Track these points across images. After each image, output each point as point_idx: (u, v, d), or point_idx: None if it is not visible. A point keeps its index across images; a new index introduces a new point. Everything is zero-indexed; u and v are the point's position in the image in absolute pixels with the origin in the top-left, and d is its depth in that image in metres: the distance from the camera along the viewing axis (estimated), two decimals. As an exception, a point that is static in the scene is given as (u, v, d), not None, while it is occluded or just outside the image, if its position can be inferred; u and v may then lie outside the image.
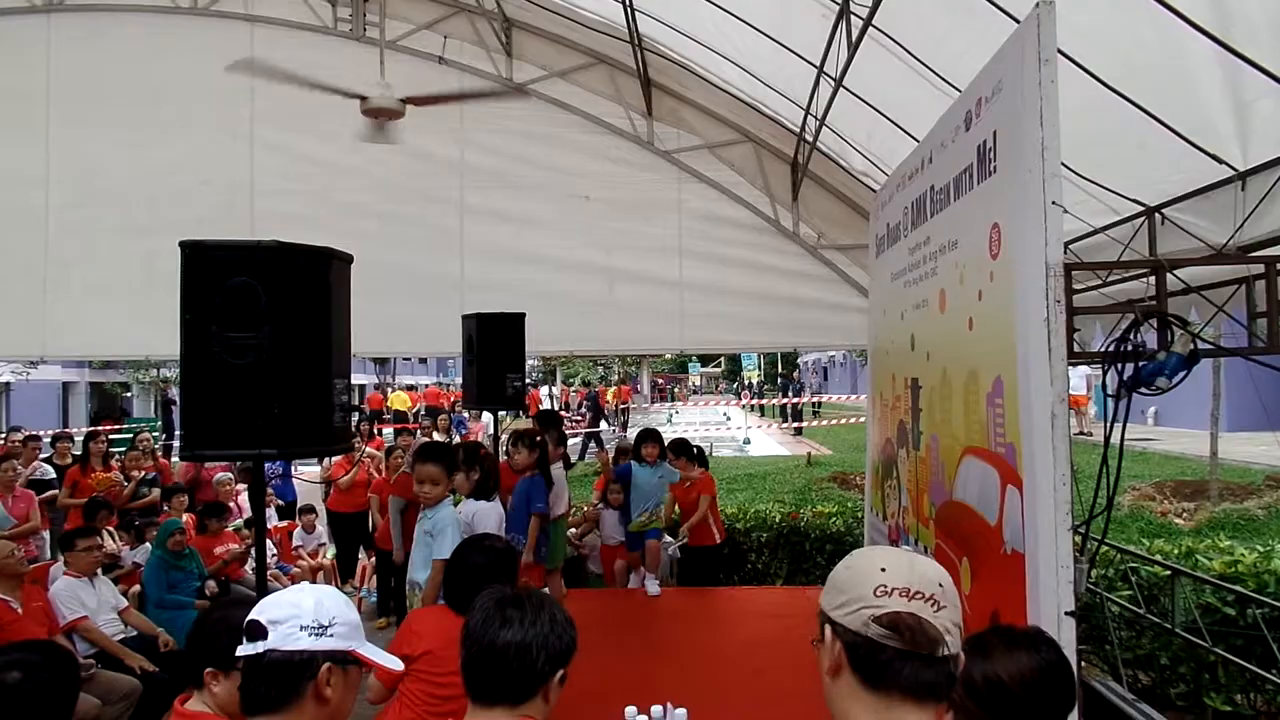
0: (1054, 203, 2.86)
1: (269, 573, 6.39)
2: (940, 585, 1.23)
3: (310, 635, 1.62)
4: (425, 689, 2.74)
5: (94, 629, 5.06)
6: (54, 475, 8.42)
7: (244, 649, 1.62)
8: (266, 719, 1.61)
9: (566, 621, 1.77)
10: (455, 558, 2.97)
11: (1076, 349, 3.27)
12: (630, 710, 2.45)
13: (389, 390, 34.28)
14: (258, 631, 1.61)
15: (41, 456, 8.83)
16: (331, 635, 1.64)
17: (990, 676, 1.71)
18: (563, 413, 23.14)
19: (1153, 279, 3.51)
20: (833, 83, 5.13)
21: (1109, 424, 3.03)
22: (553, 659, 1.70)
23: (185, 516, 7.16)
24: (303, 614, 1.63)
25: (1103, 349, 3.07)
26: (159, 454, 10.03)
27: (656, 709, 2.42)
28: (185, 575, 6.16)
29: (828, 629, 1.26)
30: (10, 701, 1.96)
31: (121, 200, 7.36)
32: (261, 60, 5.73)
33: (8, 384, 26.64)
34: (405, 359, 45.74)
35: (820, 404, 27.62)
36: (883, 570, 1.23)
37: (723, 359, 53.25)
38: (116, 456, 8.76)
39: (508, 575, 2.95)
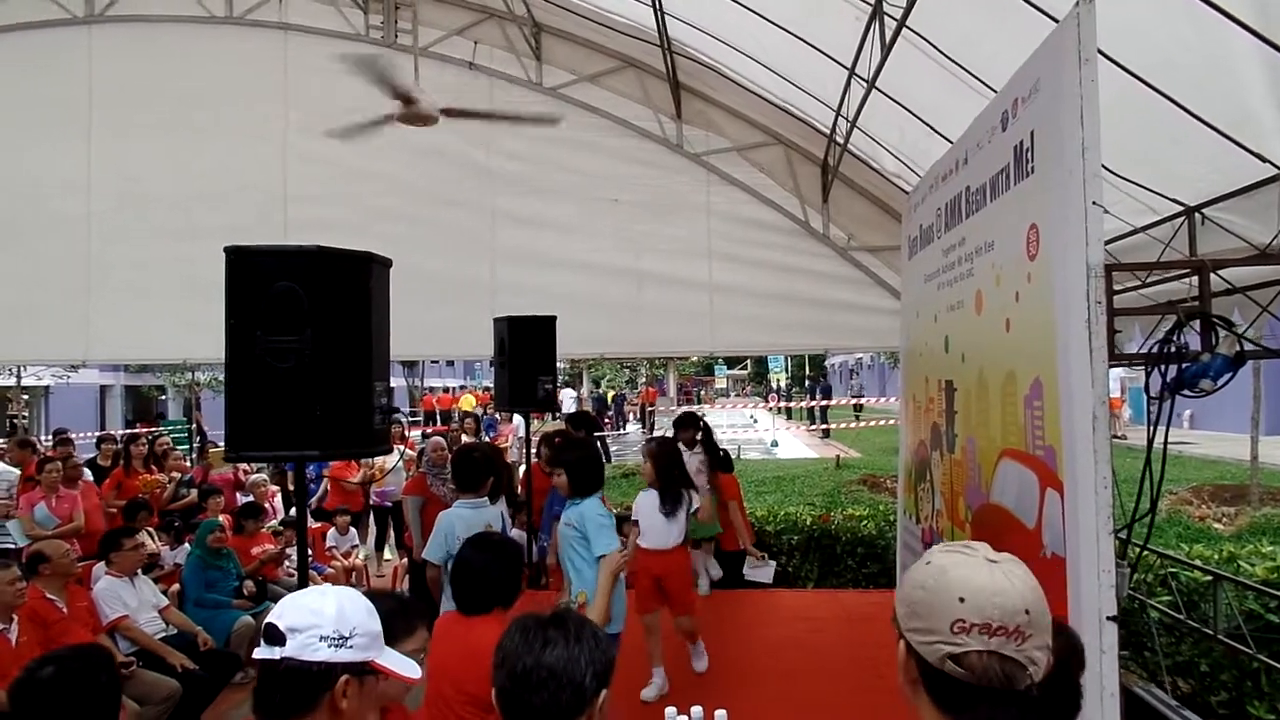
0: (1094, 203, 2.83)
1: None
2: (1026, 613, 1.14)
3: (330, 646, 1.55)
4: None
5: (135, 628, 5.16)
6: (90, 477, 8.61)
7: (260, 652, 1.57)
8: None
9: (607, 639, 1.71)
10: (459, 557, 2.91)
11: (1115, 351, 3.23)
12: (670, 711, 2.45)
13: (451, 392, 34.78)
14: (275, 637, 1.55)
15: (86, 458, 9.00)
16: (351, 647, 1.58)
17: None
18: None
19: (1194, 279, 3.47)
20: (865, 84, 5.11)
21: (1152, 427, 2.99)
22: (599, 676, 1.63)
23: (222, 517, 7.26)
24: (323, 623, 1.56)
25: (1146, 351, 3.02)
26: (179, 456, 10.20)
27: (696, 709, 2.42)
28: (223, 575, 6.26)
29: (902, 645, 1.20)
30: (54, 707, 1.97)
31: (160, 207, 7.50)
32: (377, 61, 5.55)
33: (48, 387, 27.19)
34: (433, 362, 46.11)
35: (861, 406, 27.35)
36: (961, 601, 1.13)
37: (749, 361, 53.06)
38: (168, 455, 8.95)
39: (512, 574, 2.89)
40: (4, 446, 11.48)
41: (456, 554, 2.90)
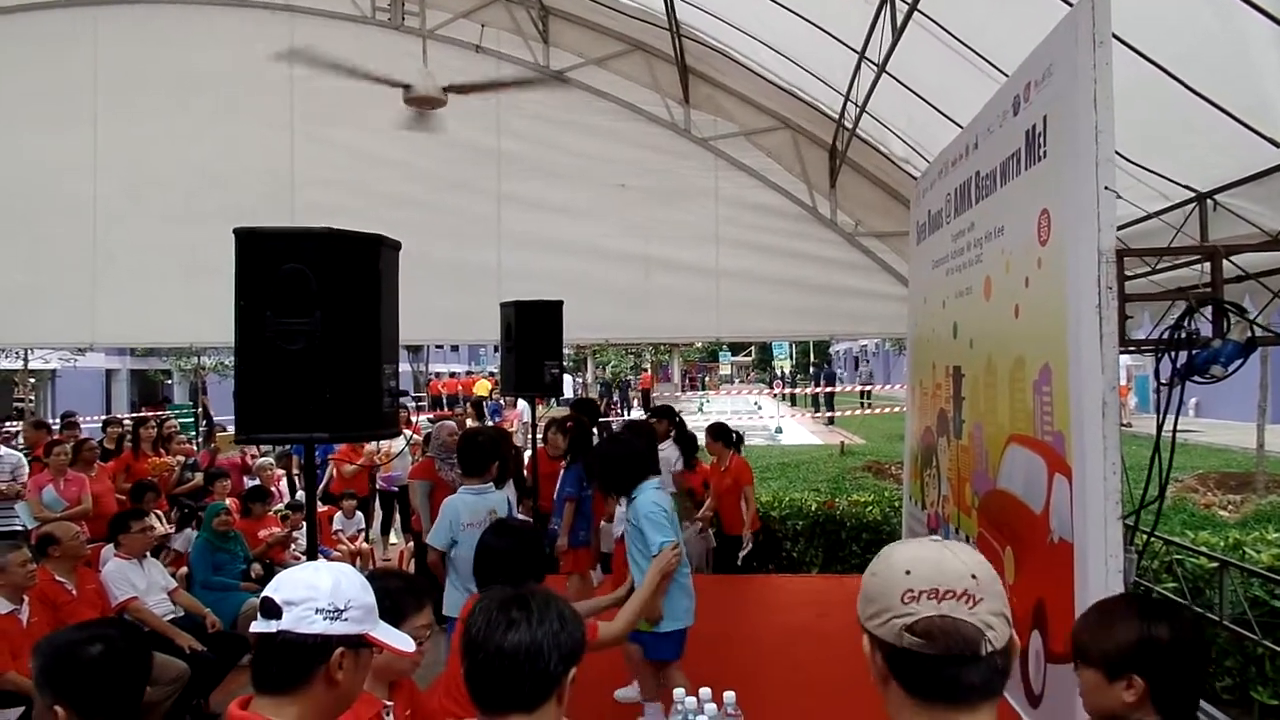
0: (1107, 188, 2.81)
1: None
2: (973, 577, 1.14)
3: (325, 619, 1.58)
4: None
5: (144, 609, 5.18)
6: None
7: (257, 625, 1.59)
8: (274, 698, 1.58)
9: (575, 617, 1.67)
10: (481, 544, 2.92)
11: (1124, 337, 3.22)
12: (678, 692, 2.46)
13: (457, 376, 34.93)
14: (272, 610, 1.57)
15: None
16: (346, 620, 1.60)
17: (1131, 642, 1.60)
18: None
19: (1206, 265, 3.45)
20: (875, 68, 5.09)
21: (1161, 413, 2.98)
22: (565, 658, 1.60)
23: (229, 501, 7.30)
24: (319, 596, 1.58)
25: (1157, 336, 3.01)
26: (184, 441, 10.27)
27: (705, 690, 2.43)
28: (231, 557, 6.30)
29: (866, 640, 1.20)
30: (92, 674, 2.00)
31: (166, 190, 7.50)
32: (307, 50, 5.77)
33: (54, 371, 27.29)
34: (438, 347, 46.16)
35: (869, 393, 27.28)
36: (907, 573, 1.15)
37: (753, 348, 53.06)
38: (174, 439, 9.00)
39: (534, 557, 2.91)
40: (10, 430, 11.54)
41: (479, 539, 2.91)
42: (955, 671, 1.12)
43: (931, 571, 1.14)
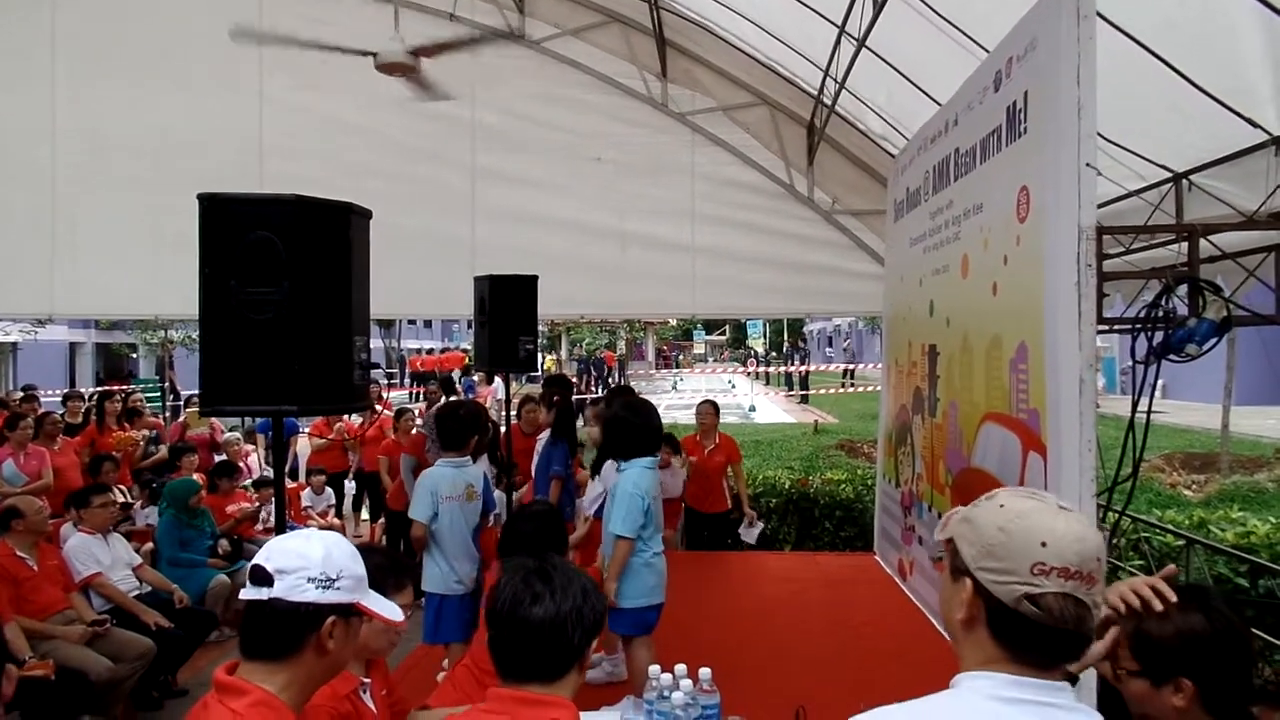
0: (1088, 165, 2.80)
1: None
2: (1098, 560, 1.19)
3: (317, 588, 1.58)
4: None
5: (109, 585, 5.08)
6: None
7: (247, 593, 1.59)
8: (264, 664, 1.58)
9: (595, 591, 1.73)
10: (506, 527, 3.15)
11: (1100, 316, 3.22)
12: (654, 669, 2.44)
13: (434, 353, 34.64)
14: (263, 578, 1.58)
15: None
16: (338, 588, 1.61)
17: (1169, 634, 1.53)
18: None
19: (1181, 246, 3.46)
20: (855, 42, 5.04)
21: (1137, 391, 2.99)
22: (587, 632, 1.66)
23: (197, 476, 7.18)
24: (310, 565, 1.59)
25: (1135, 315, 3.01)
26: (152, 414, 10.08)
27: (680, 667, 2.42)
28: (198, 534, 6.19)
29: (968, 581, 1.22)
30: None
31: (129, 157, 7.26)
32: (266, 28, 5.63)
33: (15, 344, 26.68)
34: (410, 322, 45.75)
35: (852, 372, 27.35)
36: (1043, 545, 1.17)
37: (727, 327, 53.17)
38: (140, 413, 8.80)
39: (557, 538, 3.09)
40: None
41: (505, 524, 3.12)
42: (1058, 643, 1.17)
43: (1067, 550, 1.16)
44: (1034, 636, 1.17)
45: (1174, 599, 1.54)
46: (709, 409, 6.88)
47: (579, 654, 1.66)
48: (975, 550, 1.22)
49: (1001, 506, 1.23)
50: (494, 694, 1.66)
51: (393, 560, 2.37)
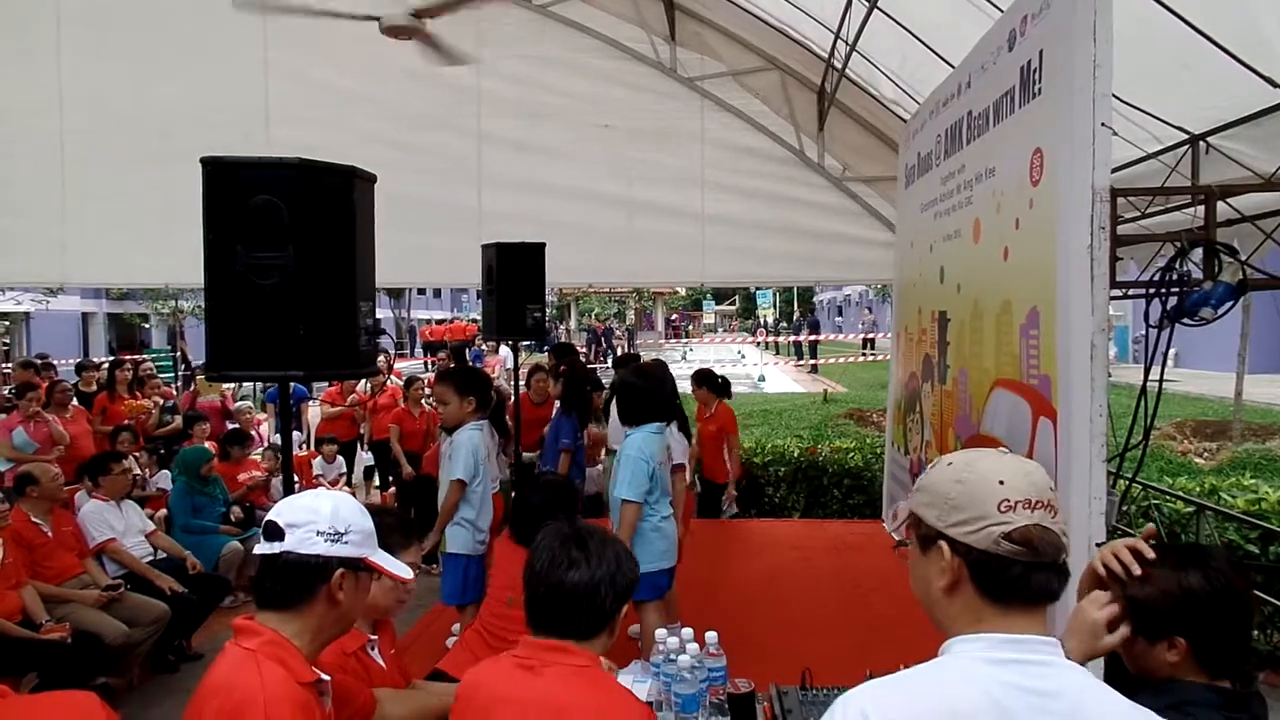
0: (1104, 125, 2.74)
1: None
2: (1051, 489, 1.22)
3: (326, 541, 1.65)
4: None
5: (123, 551, 5.14)
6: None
7: (260, 548, 1.67)
8: (277, 614, 1.65)
9: (629, 556, 1.80)
10: (519, 497, 3.25)
11: (1114, 280, 3.18)
12: (660, 633, 2.46)
13: (445, 323, 34.73)
14: (275, 532, 1.65)
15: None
16: (347, 542, 1.67)
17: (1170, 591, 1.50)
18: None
19: (1197, 210, 3.40)
20: (866, 3, 4.94)
21: (1149, 355, 2.96)
22: (620, 596, 1.75)
23: (209, 444, 7.23)
24: (319, 519, 1.65)
25: (1149, 278, 2.97)
26: (162, 383, 10.13)
27: (687, 630, 2.43)
28: (210, 501, 6.25)
29: (944, 546, 1.22)
30: None
31: (136, 127, 7.23)
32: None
33: (28, 314, 26.82)
34: (420, 292, 45.79)
35: (872, 341, 27.11)
36: (1001, 483, 1.19)
37: (737, 297, 52.97)
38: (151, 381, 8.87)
39: (568, 510, 3.11)
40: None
41: (516, 493, 3.13)
42: (1043, 576, 1.19)
43: (1023, 483, 1.20)
44: (1018, 580, 1.18)
45: (1152, 557, 1.53)
46: (693, 380, 6.70)
47: (610, 617, 1.74)
48: (939, 511, 1.23)
49: (950, 464, 1.26)
50: (526, 642, 1.74)
51: (401, 520, 2.42)
